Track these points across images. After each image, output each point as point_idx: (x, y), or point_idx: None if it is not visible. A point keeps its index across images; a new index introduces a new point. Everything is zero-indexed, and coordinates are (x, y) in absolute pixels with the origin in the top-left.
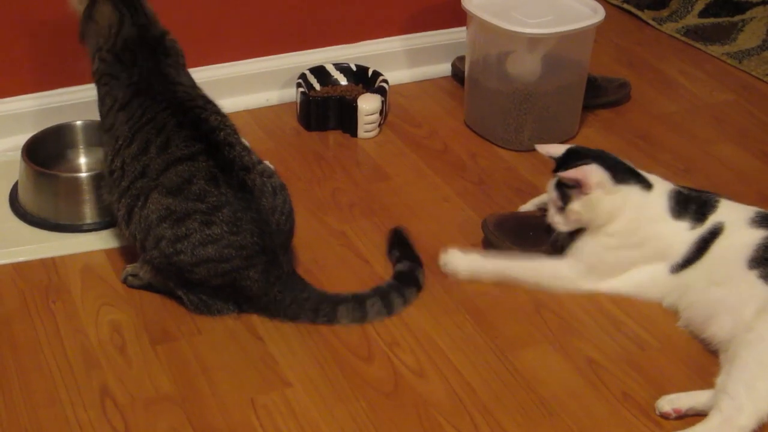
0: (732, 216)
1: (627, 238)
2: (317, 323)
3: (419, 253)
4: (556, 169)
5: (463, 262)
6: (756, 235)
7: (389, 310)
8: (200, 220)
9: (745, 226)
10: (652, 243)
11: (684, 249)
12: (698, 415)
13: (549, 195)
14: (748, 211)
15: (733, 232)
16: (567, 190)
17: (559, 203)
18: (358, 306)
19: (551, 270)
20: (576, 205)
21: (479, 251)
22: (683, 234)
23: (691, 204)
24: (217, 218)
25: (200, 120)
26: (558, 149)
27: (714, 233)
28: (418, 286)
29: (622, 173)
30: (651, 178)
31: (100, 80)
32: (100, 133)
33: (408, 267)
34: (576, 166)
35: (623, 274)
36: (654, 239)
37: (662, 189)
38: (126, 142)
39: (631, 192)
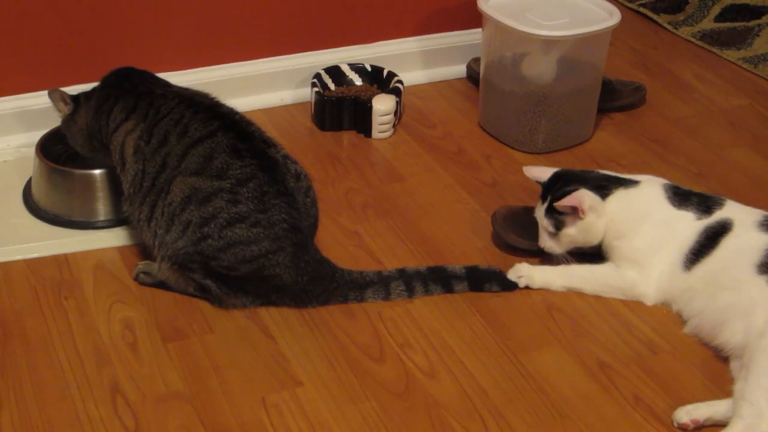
0: (740, 216)
1: (634, 229)
2: (347, 303)
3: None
4: (544, 194)
5: (536, 274)
6: (765, 239)
7: (410, 294)
8: (226, 198)
9: (754, 228)
10: (658, 230)
11: (693, 239)
12: (716, 425)
13: (539, 221)
14: (756, 214)
15: (742, 232)
16: (560, 216)
17: (552, 229)
18: (383, 288)
19: (616, 279)
20: (571, 230)
21: (547, 267)
22: (690, 223)
23: (693, 197)
24: (242, 195)
25: (215, 105)
26: (544, 173)
27: (724, 227)
28: (447, 289)
29: (606, 186)
30: (638, 177)
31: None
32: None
33: (454, 271)
34: (567, 192)
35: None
36: (661, 225)
37: (652, 182)
38: (145, 139)
39: (614, 199)
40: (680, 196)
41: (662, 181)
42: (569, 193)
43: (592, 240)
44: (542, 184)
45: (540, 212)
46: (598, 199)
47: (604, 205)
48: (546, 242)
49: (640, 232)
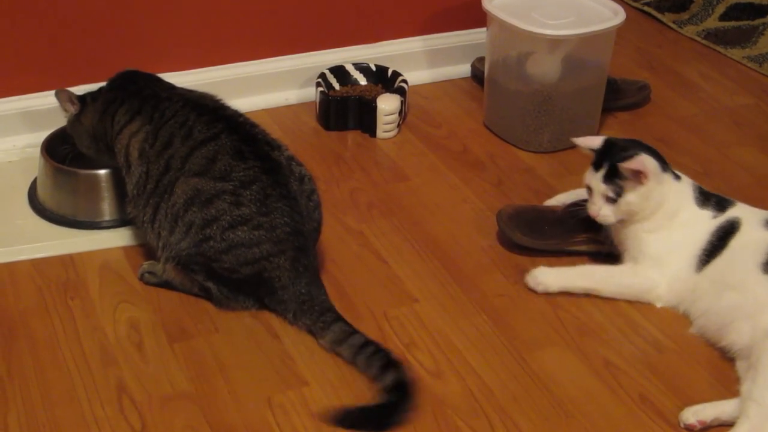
0: (748, 216)
1: (667, 223)
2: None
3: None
4: (598, 161)
5: (550, 279)
6: None
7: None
8: (229, 200)
9: (761, 227)
10: (685, 232)
11: (706, 239)
12: (723, 426)
13: (595, 187)
14: (763, 214)
15: (748, 231)
16: (620, 182)
17: (612, 195)
18: (345, 336)
19: (634, 279)
20: (631, 196)
21: (565, 268)
22: (707, 222)
23: (712, 197)
24: (245, 198)
25: (220, 107)
26: (595, 141)
27: (733, 226)
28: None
29: (664, 163)
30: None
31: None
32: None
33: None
34: (629, 156)
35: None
36: (686, 227)
37: (687, 180)
38: (150, 142)
39: (670, 180)
40: (704, 195)
41: (690, 180)
42: (631, 156)
43: (647, 209)
44: (595, 152)
45: (596, 179)
46: (658, 166)
47: (662, 175)
48: (601, 209)
49: (669, 229)
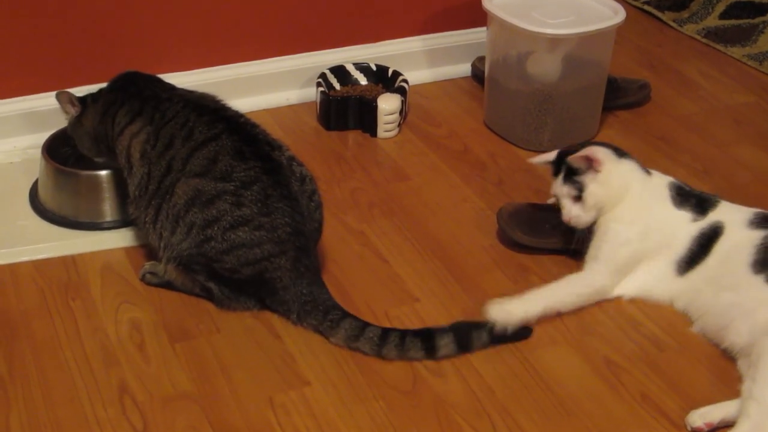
0: (732, 216)
1: (637, 222)
2: (320, 330)
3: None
4: (556, 169)
5: (510, 311)
6: (756, 236)
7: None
8: (230, 201)
9: (745, 227)
10: (657, 230)
11: (687, 242)
12: (729, 426)
13: (559, 193)
14: (747, 213)
15: (734, 233)
16: (579, 178)
17: (574, 192)
18: (359, 330)
19: (582, 285)
20: (592, 187)
21: (517, 297)
22: (686, 225)
23: (692, 198)
24: (246, 198)
25: (220, 108)
26: (550, 155)
27: (716, 231)
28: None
29: (621, 152)
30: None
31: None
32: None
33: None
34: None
35: (637, 273)
36: (659, 226)
37: (661, 177)
38: (151, 143)
39: (634, 167)
40: (681, 196)
41: (669, 178)
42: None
43: (613, 195)
44: (552, 163)
45: (558, 185)
46: (611, 152)
47: (619, 160)
48: (571, 211)
49: (637, 228)
